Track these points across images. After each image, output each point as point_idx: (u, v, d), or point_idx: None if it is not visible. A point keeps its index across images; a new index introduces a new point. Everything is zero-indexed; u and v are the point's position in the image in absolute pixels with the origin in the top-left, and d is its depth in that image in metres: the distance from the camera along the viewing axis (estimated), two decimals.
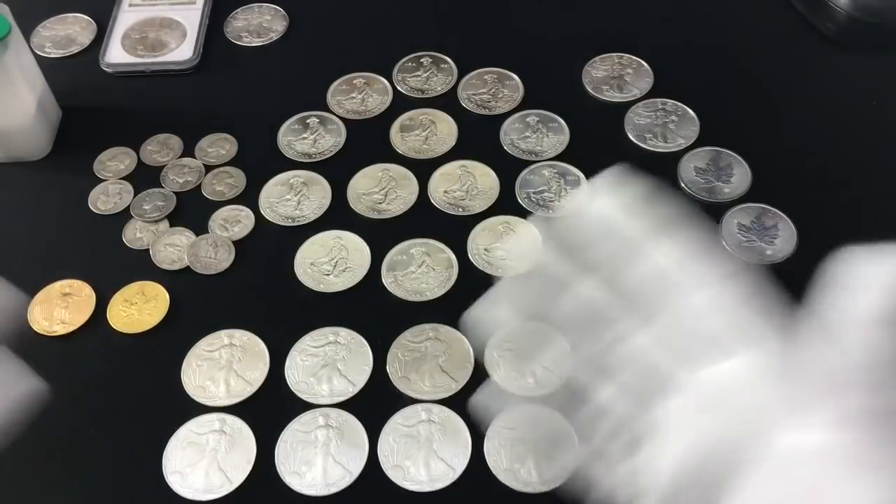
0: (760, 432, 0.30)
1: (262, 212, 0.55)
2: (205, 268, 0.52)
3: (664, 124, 0.58)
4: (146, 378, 0.48)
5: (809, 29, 0.63)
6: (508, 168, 0.56)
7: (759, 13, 0.65)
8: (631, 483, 0.32)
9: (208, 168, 0.57)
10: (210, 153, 0.58)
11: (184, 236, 0.54)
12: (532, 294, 0.36)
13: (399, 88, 0.61)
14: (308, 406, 0.46)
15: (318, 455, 0.45)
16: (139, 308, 0.51)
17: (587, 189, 0.36)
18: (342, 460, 0.44)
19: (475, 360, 0.47)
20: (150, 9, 0.67)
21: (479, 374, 0.47)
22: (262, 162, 0.57)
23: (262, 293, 0.52)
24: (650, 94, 0.60)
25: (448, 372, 0.47)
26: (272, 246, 0.53)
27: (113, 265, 0.53)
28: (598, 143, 0.57)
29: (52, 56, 0.64)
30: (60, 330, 0.50)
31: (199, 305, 0.51)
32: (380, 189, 0.56)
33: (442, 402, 0.46)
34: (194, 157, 0.58)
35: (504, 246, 0.50)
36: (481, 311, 0.39)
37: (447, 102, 0.60)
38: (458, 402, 0.46)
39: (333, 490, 0.43)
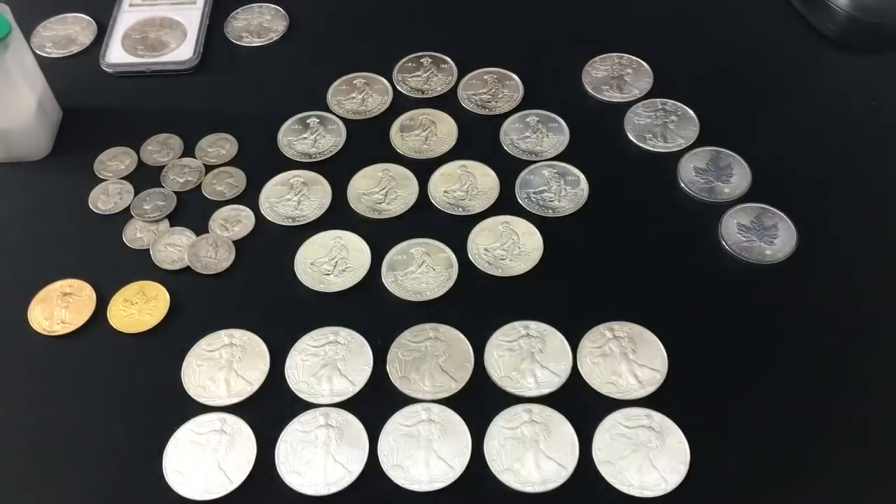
0: None
1: (262, 212, 0.55)
2: (205, 268, 0.52)
3: (664, 124, 0.58)
4: (146, 378, 0.48)
5: (809, 29, 0.63)
6: (508, 168, 0.56)
7: (759, 13, 0.65)
8: None
9: (208, 168, 0.57)
10: (210, 153, 0.58)
11: (184, 236, 0.54)
12: None
13: (399, 88, 0.61)
14: (308, 406, 0.46)
15: (319, 455, 0.45)
16: (139, 308, 0.51)
17: None
18: (342, 460, 0.44)
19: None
20: (150, 9, 0.67)
21: (480, 374, 0.47)
22: (262, 162, 0.57)
23: (262, 293, 0.52)
24: (650, 94, 0.60)
25: (448, 372, 0.47)
26: (272, 246, 0.53)
27: (113, 265, 0.53)
28: (598, 143, 0.57)
29: (53, 56, 0.65)
30: (60, 330, 0.50)
31: (199, 305, 0.51)
32: (380, 189, 0.56)
33: (442, 402, 0.46)
34: (194, 157, 0.58)
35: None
36: None
37: (447, 102, 0.60)
38: (458, 402, 0.46)
39: (333, 490, 0.43)
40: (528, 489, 0.43)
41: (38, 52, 0.64)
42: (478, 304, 0.50)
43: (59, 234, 0.55)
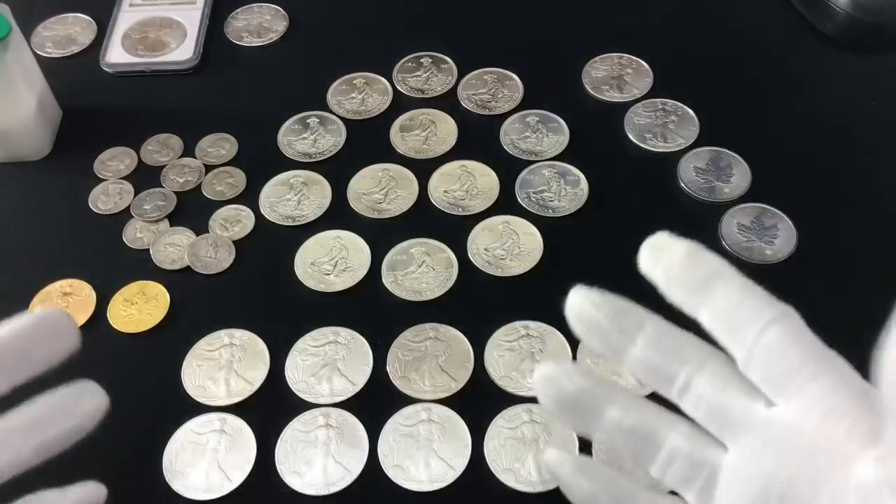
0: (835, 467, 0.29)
1: (262, 212, 0.55)
2: (205, 268, 0.52)
3: (664, 124, 0.58)
4: (146, 378, 0.48)
5: (809, 29, 0.63)
6: (508, 168, 0.56)
7: (759, 13, 0.65)
8: None
9: (208, 168, 0.57)
10: (210, 153, 0.58)
11: (184, 236, 0.54)
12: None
13: (399, 88, 0.61)
14: (308, 406, 0.46)
15: (319, 455, 0.45)
16: (139, 308, 0.51)
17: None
18: (342, 460, 0.44)
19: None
20: (150, 9, 0.67)
21: (479, 374, 0.47)
22: (262, 162, 0.57)
23: (262, 293, 0.52)
24: (650, 94, 0.60)
25: (448, 372, 0.47)
26: (272, 246, 0.53)
27: (113, 265, 0.53)
28: (598, 143, 0.57)
29: (53, 56, 0.65)
30: None
31: (199, 305, 0.51)
32: (380, 189, 0.56)
33: (442, 401, 0.46)
34: (194, 157, 0.58)
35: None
36: None
37: (447, 102, 0.60)
38: (458, 402, 0.46)
39: (333, 490, 0.43)
40: (528, 489, 0.43)
41: (38, 52, 0.64)
42: (478, 304, 0.50)
43: (59, 234, 0.55)
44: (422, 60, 0.63)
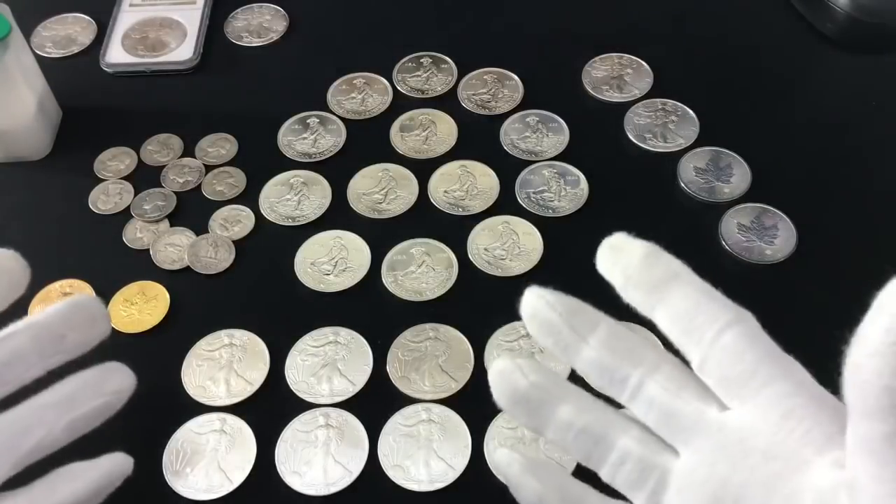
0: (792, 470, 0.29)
1: (262, 212, 0.55)
2: (205, 268, 0.52)
3: (664, 124, 0.58)
4: (146, 378, 0.48)
5: (809, 29, 0.63)
6: (508, 168, 0.56)
7: (759, 13, 0.65)
8: None
9: (208, 168, 0.57)
10: (210, 153, 0.58)
11: (184, 236, 0.54)
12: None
13: (399, 88, 0.61)
14: (308, 406, 0.46)
15: (319, 455, 0.45)
16: (139, 308, 0.51)
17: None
18: (342, 460, 0.44)
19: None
20: (150, 9, 0.67)
21: (479, 374, 0.47)
22: (262, 162, 0.57)
23: (262, 293, 0.52)
24: (650, 94, 0.60)
25: (448, 372, 0.47)
26: (272, 246, 0.53)
27: (113, 265, 0.53)
28: (598, 143, 0.57)
29: (53, 56, 0.65)
30: None
31: (199, 305, 0.51)
32: (380, 189, 0.56)
33: (442, 401, 0.46)
34: (194, 157, 0.58)
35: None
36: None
37: (447, 102, 0.60)
38: (458, 402, 0.46)
39: (333, 490, 0.44)
40: None
41: (38, 52, 0.64)
42: (478, 304, 0.50)
43: (59, 234, 0.55)
44: (422, 60, 0.63)
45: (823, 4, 0.61)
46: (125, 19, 0.66)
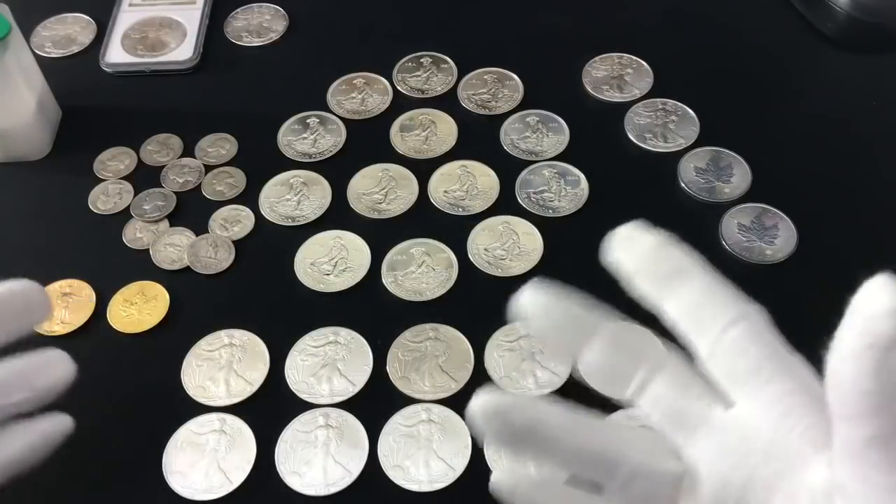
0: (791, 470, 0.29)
1: (262, 212, 0.55)
2: (205, 268, 0.52)
3: (664, 124, 0.58)
4: (146, 378, 0.48)
5: (809, 29, 0.63)
6: (508, 168, 0.56)
7: (759, 13, 0.65)
8: None
9: (208, 168, 0.57)
10: (210, 153, 0.58)
11: (184, 236, 0.54)
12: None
13: (399, 88, 0.61)
14: (308, 406, 0.46)
15: (318, 455, 0.45)
16: (139, 308, 0.51)
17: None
18: (342, 460, 0.44)
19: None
20: (150, 9, 0.67)
21: (480, 374, 0.47)
22: (262, 162, 0.57)
23: (262, 293, 0.52)
24: (650, 94, 0.60)
25: (448, 372, 0.47)
26: (272, 246, 0.53)
27: (113, 265, 0.53)
28: (598, 143, 0.57)
29: (52, 56, 0.64)
30: (60, 330, 0.50)
31: (199, 305, 0.51)
32: (380, 189, 0.56)
33: (442, 402, 0.46)
34: (194, 157, 0.58)
35: None
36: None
37: (447, 102, 0.60)
38: (458, 402, 0.46)
39: (333, 490, 0.44)
40: None
41: (37, 52, 0.64)
42: (478, 304, 0.50)
43: (59, 234, 0.55)
44: (422, 60, 0.63)
45: (823, 4, 0.61)
46: (125, 19, 0.66)
